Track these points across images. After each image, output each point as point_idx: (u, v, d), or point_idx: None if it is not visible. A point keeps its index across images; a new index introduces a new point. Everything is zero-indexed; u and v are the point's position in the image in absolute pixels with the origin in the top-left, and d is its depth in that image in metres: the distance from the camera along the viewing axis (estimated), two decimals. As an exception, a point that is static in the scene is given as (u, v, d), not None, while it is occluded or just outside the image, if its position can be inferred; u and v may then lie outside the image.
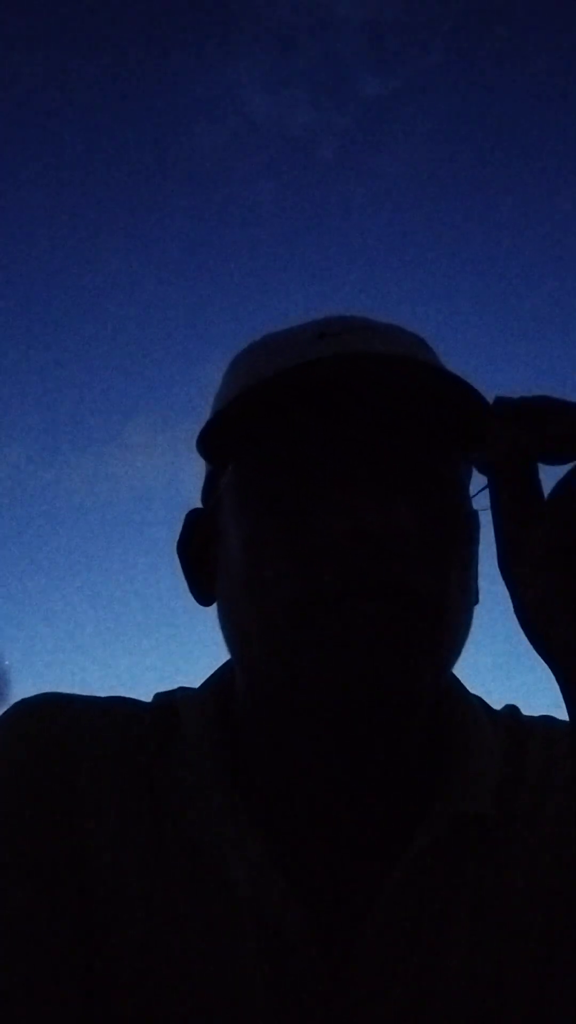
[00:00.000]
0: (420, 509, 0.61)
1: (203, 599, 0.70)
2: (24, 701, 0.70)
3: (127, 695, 0.74)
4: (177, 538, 0.72)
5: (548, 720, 0.73)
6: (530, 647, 0.57)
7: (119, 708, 0.71)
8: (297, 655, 0.60)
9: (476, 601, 0.67)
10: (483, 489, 0.62)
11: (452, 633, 0.63)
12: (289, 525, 0.62)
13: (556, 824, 0.67)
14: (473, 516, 0.66)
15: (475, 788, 0.66)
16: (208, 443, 0.64)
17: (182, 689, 0.74)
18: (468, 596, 0.65)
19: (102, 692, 0.73)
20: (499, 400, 0.57)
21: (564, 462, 0.55)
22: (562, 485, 0.56)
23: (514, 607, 0.56)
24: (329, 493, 0.61)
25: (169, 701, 0.72)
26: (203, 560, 0.70)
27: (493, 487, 0.57)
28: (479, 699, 0.73)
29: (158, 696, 0.73)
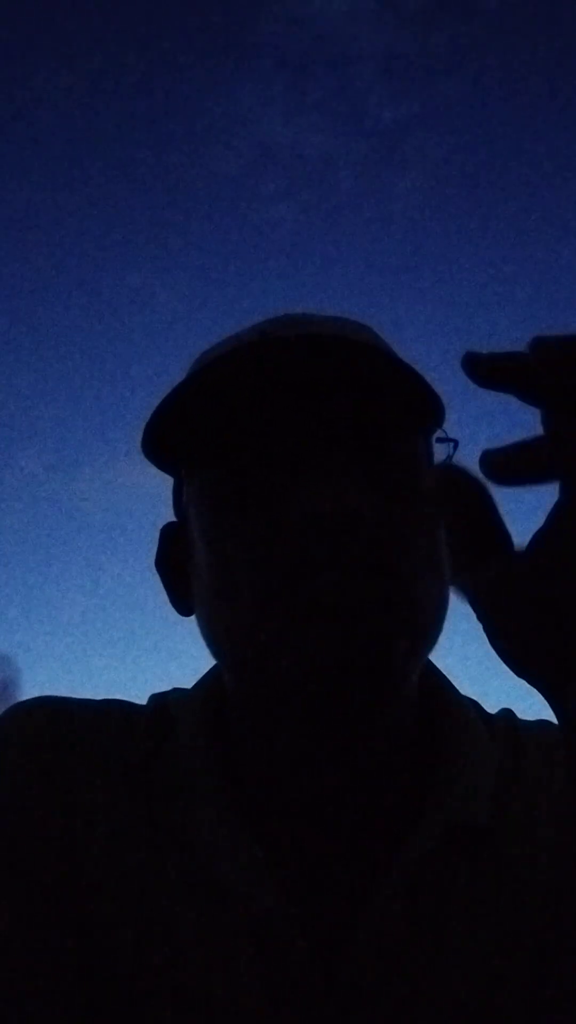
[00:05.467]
0: (375, 487, 0.61)
1: (183, 610, 0.70)
2: (19, 704, 0.70)
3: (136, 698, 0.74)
4: (155, 553, 0.72)
5: (544, 724, 0.72)
6: None
7: (114, 710, 0.71)
8: (265, 642, 0.60)
9: None
10: (444, 462, 0.63)
11: (420, 606, 0.62)
12: (247, 518, 0.62)
13: (551, 832, 0.67)
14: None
15: (470, 795, 0.66)
16: (155, 446, 0.65)
17: (177, 690, 0.74)
18: (437, 566, 0.64)
19: (113, 696, 0.74)
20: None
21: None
22: (539, 540, 0.50)
23: (488, 636, 0.54)
24: (281, 481, 0.61)
25: (163, 703, 0.72)
26: (180, 571, 0.70)
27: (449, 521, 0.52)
28: (473, 702, 0.73)
29: (153, 698, 0.73)
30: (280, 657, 0.60)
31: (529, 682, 0.51)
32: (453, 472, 0.50)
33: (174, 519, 0.73)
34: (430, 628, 0.64)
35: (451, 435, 0.65)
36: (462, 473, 0.49)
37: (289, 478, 0.61)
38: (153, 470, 0.69)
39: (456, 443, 0.65)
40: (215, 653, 0.67)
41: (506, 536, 0.49)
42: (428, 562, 0.63)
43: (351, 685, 0.59)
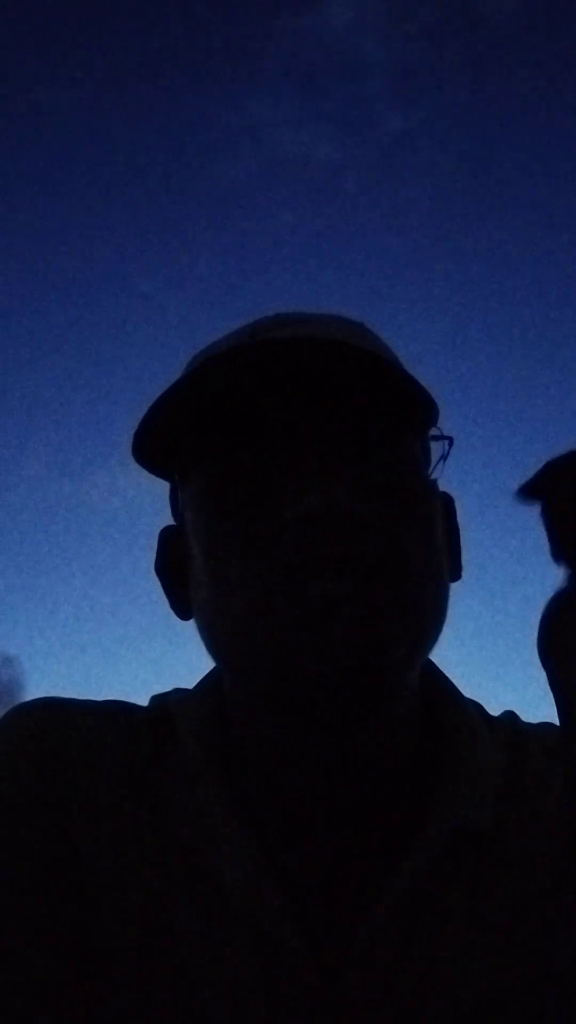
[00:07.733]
0: (369, 487, 0.61)
1: (183, 613, 0.70)
2: (21, 706, 0.70)
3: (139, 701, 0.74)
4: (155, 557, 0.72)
5: (548, 727, 0.72)
6: (531, 656, 0.56)
7: (115, 712, 0.71)
8: (260, 645, 0.60)
9: (456, 577, 0.68)
10: (440, 461, 0.65)
11: (416, 610, 0.62)
12: (241, 521, 0.62)
13: (555, 835, 0.66)
14: (430, 490, 0.66)
15: (473, 800, 0.65)
16: (146, 451, 0.65)
17: (178, 691, 0.73)
18: (435, 569, 0.64)
19: (117, 698, 0.74)
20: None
21: None
22: None
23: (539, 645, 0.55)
24: (274, 482, 0.61)
25: (164, 704, 0.72)
26: (179, 575, 0.70)
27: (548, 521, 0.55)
28: (476, 704, 0.73)
29: (154, 699, 0.73)
30: (276, 663, 0.60)
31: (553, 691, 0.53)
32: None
33: (173, 523, 0.72)
34: (426, 632, 0.63)
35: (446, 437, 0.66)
36: None
37: (281, 480, 0.61)
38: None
39: (451, 440, 0.66)
40: (213, 656, 0.67)
41: None
42: (424, 565, 0.63)
43: (347, 691, 0.59)
